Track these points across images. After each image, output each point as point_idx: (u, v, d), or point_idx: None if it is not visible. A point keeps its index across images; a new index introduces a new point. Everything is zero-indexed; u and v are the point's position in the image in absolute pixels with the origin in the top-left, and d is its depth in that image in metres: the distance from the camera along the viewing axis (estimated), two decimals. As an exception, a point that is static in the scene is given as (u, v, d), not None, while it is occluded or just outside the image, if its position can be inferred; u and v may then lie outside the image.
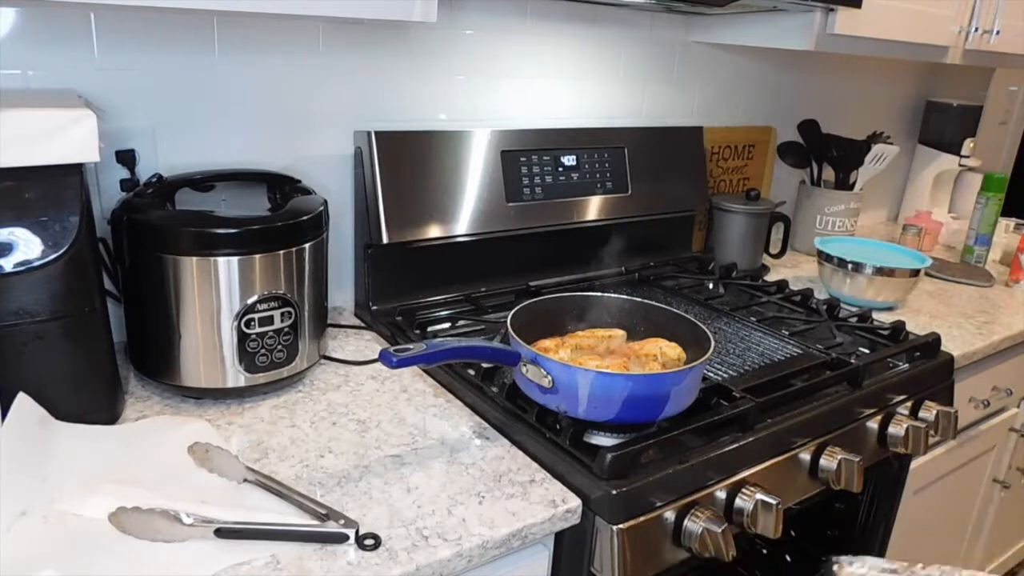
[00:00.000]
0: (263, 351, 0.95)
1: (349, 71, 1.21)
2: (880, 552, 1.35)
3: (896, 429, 1.13)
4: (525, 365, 0.89)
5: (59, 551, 0.67)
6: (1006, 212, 2.00)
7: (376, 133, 1.19)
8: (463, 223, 1.28)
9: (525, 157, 1.35)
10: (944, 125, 2.16)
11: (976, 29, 1.64)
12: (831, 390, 1.10)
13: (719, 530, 0.84)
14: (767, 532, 0.90)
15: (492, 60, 1.35)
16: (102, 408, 0.87)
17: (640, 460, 0.86)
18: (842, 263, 1.50)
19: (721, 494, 0.91)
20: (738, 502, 0.91)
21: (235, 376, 0.94)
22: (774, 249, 1.74)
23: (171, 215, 0.95)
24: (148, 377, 0.97)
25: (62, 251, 0.78)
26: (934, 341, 1.27)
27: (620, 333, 1.02)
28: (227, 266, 0.90)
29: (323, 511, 0.74)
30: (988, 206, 1.85)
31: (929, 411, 1.19)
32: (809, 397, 1.06)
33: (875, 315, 1.41)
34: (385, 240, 1.20)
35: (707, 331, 0.96)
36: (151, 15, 1.02)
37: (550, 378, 0.87)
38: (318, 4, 0.86)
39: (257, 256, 0.91)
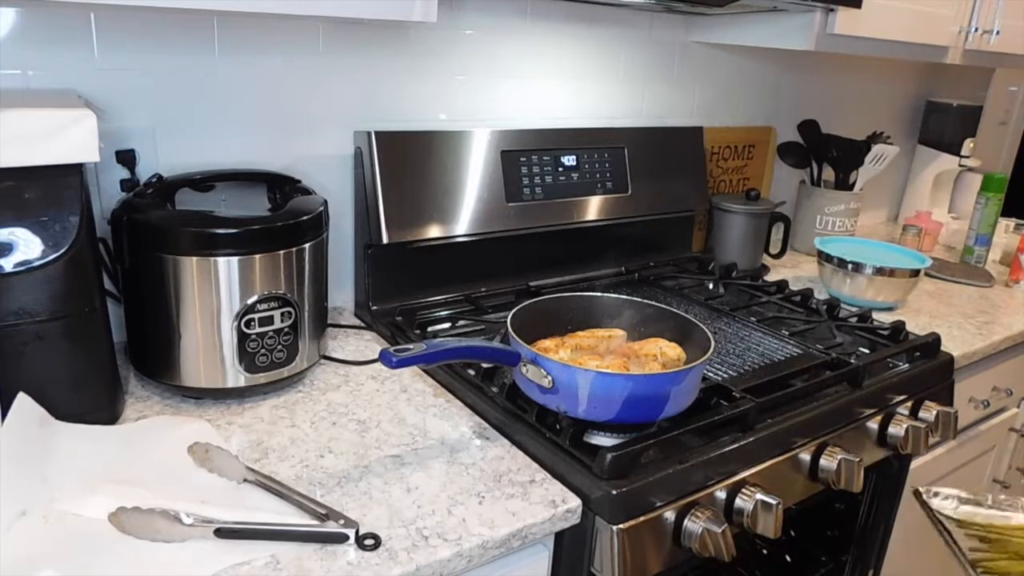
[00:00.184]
0: (263, 351, 0.95)
1: (349, 71, 1.21)
2: (880, 552, 1.35)
3: (896, 429, 1.13)
4: (525, 365, 0.89)
5: (59, 551, 0.67)
6: (1006, 212, 2.00)
7: (376, 133, 1.19)
8: (463, 223, 1.28)
9: (525, 157, 1.35)
10: (944, 125, 2.16)
11: (976, 29, 1.64)
12: (831, 390, 1.10)
13: (719, 530, 0.84)
14: (767, 532, 0.90)
15: (492, 60, 1.36)
16: (102, 408, 0.87)
17: (640, 460, 0.86)
18: (842, 263, 1.50)
19: (721, 494, 0.91)
20: (738, 502, 0.91)
21: (235, 376, 0.94)
22: (774, 249, 1.74)
23: (171, 215, 0.95)
24: (148, 377, 0.97)
25: (62, 251, 0.78)
26: (934, 341, 1.27)
27: (620, 333, 1.02)
28: (227, 266, 0.90)
29: (323, 511, 0.74)
30: (988, 206, 1.85)
31: (929, 411, 1.19)
32: (809, 397, 1.06)
33: (875, 315, 1.41)
34: (385, 240, 1.20)
35: (707, 331, 0.96)
36: (151, 15, 1.02)
37: (550, 378, 0.87)
38: (318, 4, 0.86)
39: (257, 256, 0.91)
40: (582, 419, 0.88)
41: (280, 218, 0.96)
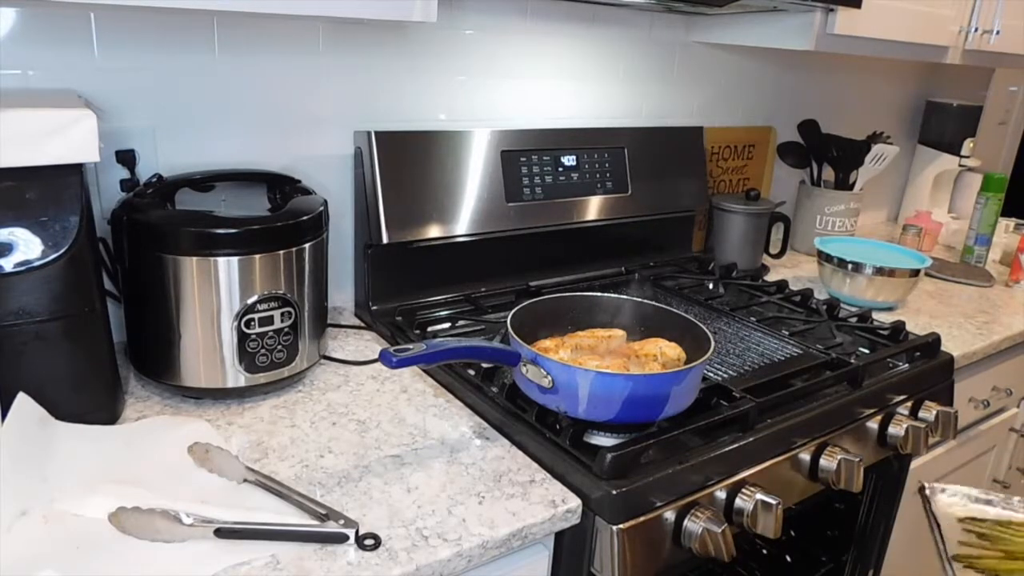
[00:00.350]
0: (263, 351, 0.95)
1: (349, 71, 1.21)
2: (880, 552, 1.35)
3: (896, 429, 1.13)
4: (525, 365, 0.89)
5: (59, 551, 0.67)
6: (1006, 212, 2.00)
7: (376, 133, 1.19)
8: (463, 223, 1.28)
9: (525, 157, 1.35)
10: (944, 125, 2.16)
11: (976, 29, 1.64)
12: (831, 390, 1.10)
13: (719, 530, 0.84)
14: (767, 532, 0.90)
15: (492, 60, 1.36)
16: (102, 408, 0.87)
17: (640, 460, 0.86)
18: (842, 263, 1.50)
19: (721, 494, 0.91)
20: (738, 502, 0.91)
21: (235, 376, 0.94)
22: (774, 249, 1.74)
23: (171, 215, 0.95)
24: (148, 377, 0.97)
25: (62, 251, 0.78)
26: (934, 341, 1.27)
27: (620, 333, 1.02)
28: (227, 266, 0.90)
29: (323, 511, 0.74)
30: (988, 206, 1.85)
31: (929, 411, 1.19)
32: (809, 397, 1.06)
33: (875, 315, 1.41)
34: (385, 240, 1.20)
35: (707, 331, 0.96)
36: (151, 15, 1.02)
37: (550, 378, 0.87)
38: (318, 4, 0.86)
39: (257, 256, 0.91)
40: (582, 419, 0.88)
41: (280, 218, 0.96)
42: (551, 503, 0.80)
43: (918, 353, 1.26)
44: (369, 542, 0.72)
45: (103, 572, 0.65)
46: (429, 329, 1.21)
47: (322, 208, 1.01)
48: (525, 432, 0.91)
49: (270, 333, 0.95)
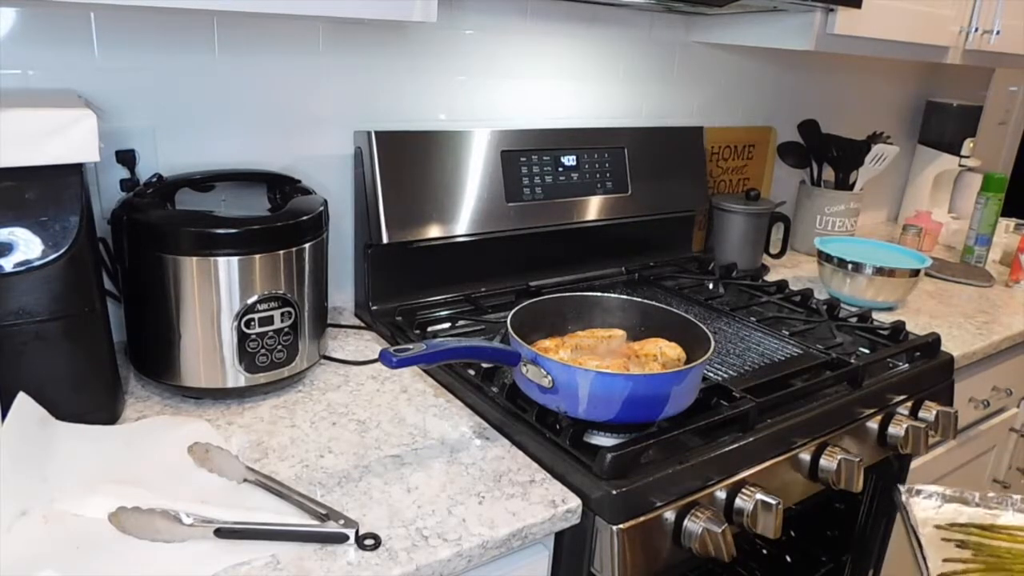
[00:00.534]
0: (263, 351, 0.95)
1: (349, 71, 1.21)
2: (880, 552, 1.35)
3: (896, 429, 1.13)
4: (525, 365, 0.89)
5: (59, 551, 0.67)
6: (1006, 212, 1.99)
7: (376, 133, 1.19)
8: (463, 223, 1.28)
9: (525, 157, 1.35)
10: (944, 125, 2.16)
11: (976, 29, 1.64)
12: (831, 390, 1.10)
13: (719, 530, 0.84)
14: (767, 532, 0.90)
15: (492, 60, 1.35)
16: (102, 408, 0.87)
17: (640, 460, 0.86)
18: (842, 263, 1.50)
19: (721, 494, 0.91)
20: (738, 502, 0.91)
21: (235, 376, 0.94)
22: (774, 249, 1.74)
23: (171, 215, 0.95)
24: (148, 377, 0.97)
25: (62, 251, 0.78)
26: (934, 341, 1.27)
27: (620, 333, 1.02)
28: (227, 266, 0.90)
29: (323, 511, 0.74)
30: (988, 206, 1.85)
31: (929, 411, 1.19)
32: (809, 397, 1.06)
33: (875, 315, 1.41)
34: (385, 240, 1.20)
35: (707, 331, 0.96)
36: (151, 15, 1.02)
37: (550, 378, 0.87)
38: (318, 4, 0.86)
39: (257, 256, 0.91)
40: (582, 419, 0.88)
41: (280, 218, 0.96)
42: (551, 503, 0.80)
43: (918, 353, 1.26)
44: (369, 542, 0.72)
45: (103, 572, 0.65)
46: (429, 329, 1.21)
47: (322, 208, 1.01)
48: (525, 432, 0.91)
49: (270, 333, 0.95)
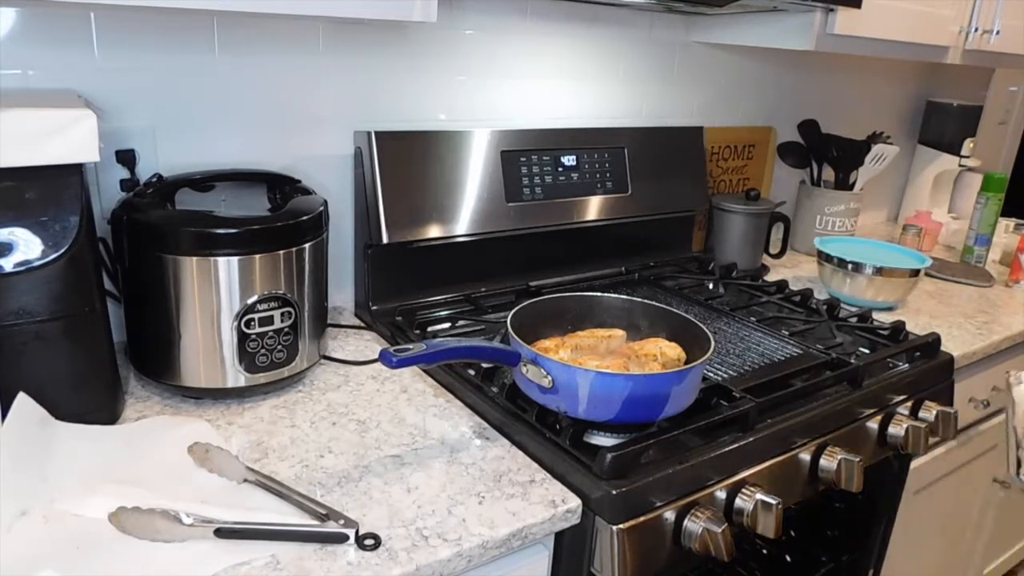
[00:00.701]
0: (263, 351, 0.95)
1: (349, 71, 1.21)
2: (880, 552, 1.35)
3: (896, 429, 1.13)
4: (525, 365, 0.89)
5: (59, 551, 0.67)
6: (1006, 212, 2.00)
7: (376, 133, 1.19)
8: (463, 223, 1.28)
9: (525, 157, 1.35)
10: (944, 125, 2.16)
11: (976, 29, 1.64)
12: (831, 390, 1.10)
13: (719, 530, 0.84)
14: (767, 532, 0.90)
15: (492, 60, 1.35)
16: (102, 408, 0.87)
17: (640, 460, 0.86)
18: (842, 263, 1.50)
19: (721, 494, 0.91)
20: (738, 502, 0.91)
21: (235, 376, 0.94)
22: (774, 249, 1.74)
23: (171, 215, 0.95)
24: (148, 377, 0.97)
25: (62, 251, 0.78)
26: (934, 341, 1.27)
27: (620, 333, 1.02)
28: (227, 266, 0.90)
29: (323, 511, 0.74)
30: (988, 206, 1.85)
31: (929, 411, 1.19)
32: (809, 397, 1.06)
33: (875, 315, 1.41)
34: (385, 240, 1.20)
35: (707, 331, 0.96)
36: (151, 15, 1.02)
37: (550, 378, 0.87)
38: (318, 4, 0.86)
39: (257, 256, 0.91)
40: (582, 419, 0.88)
41: (280, 218, 0.96)
42: (551, 503, 0.80)
43: (918, 353, 1.26)
44: (369, 542, 0.72)
45: (103, 572, 0.65)
46: (429, 329, 1.21)
47: (322, 208, 1.01)
48: (525, 432, 0.91)
49: (270, 333, 0.95)
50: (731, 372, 1.11)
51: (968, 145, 2.11)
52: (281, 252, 0.94)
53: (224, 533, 0.70)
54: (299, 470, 0.83)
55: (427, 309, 1.27)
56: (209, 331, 0.92)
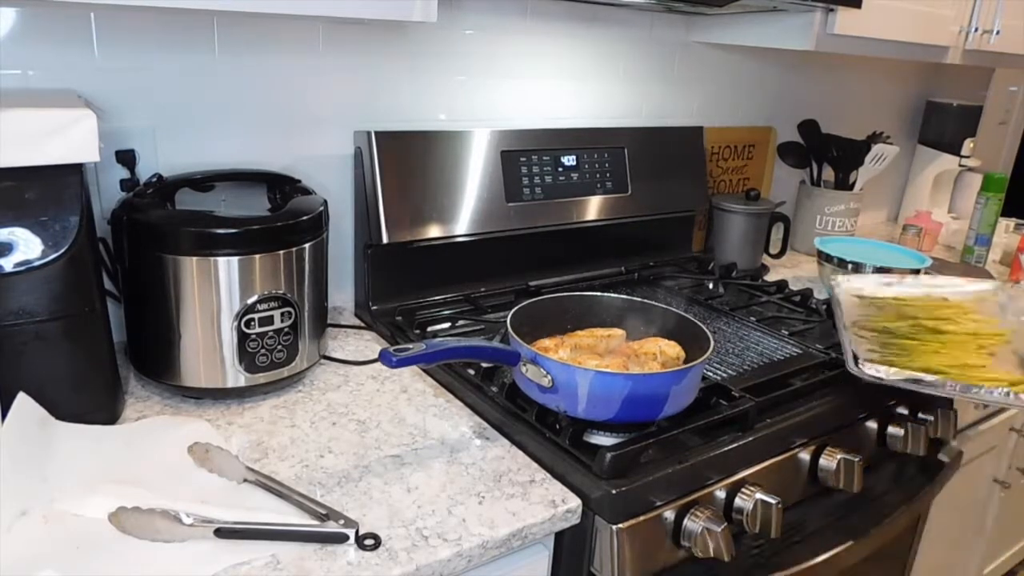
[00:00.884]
0: (263, 351, 0.95)
1: (349, 71, 1.21)
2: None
3: (896, 429, 1.13)
4: (525, 365, 0.89)
5: (59, 551, 0.67)
6: (1006, 212, 2.00)
7: (376, 133, 1.19)
8: (463, 223, 1.28)
9: (525, 157, 1.35)
10: (944, 125, 2.16)
11: (976, 29, 1.64)
12: (830, 390, 1.10)
13: (719, 530, 0.84)
14: (767, 532, 0.90)
15: (492, 60, 1.36)
16: (102, 408, 0.87)
17: (640, 460, 0.86)
18: (842, 263, 1.50)
19: (721, 494, 0.91)
20: (738, 502, 0.91)
21: (235, 376, 0.94)
22: (774, 249, 1.74)
23: (171, 215, 0.95)
24: (148, 377, 0.97)
25: (62, 251, 0.78)
26: (934, 341, 1.27)
27: (620, 333, 1.02)
28: (227, 266, 0.90)
29: (323, 511, 0.74)
30: (988, 206, 1.85)
31: (929, 411, 1.19)
32: (809, 397, 1.06)
33: (875, 315, 1.41)
34: (385, 240, 1.20)
35: (707, 331, 0.96)
36: (151, 15, 1.02)
37: (550, 378, 0.87)
38: (318, 4, 0.86)
39: (257, 256, 0.91)
40: (582, 419, 0.88)
41: (280, 218, 0.96)
42: (551, 503, 0.80)
43: (918, 353, 1.26)
44: (369, 542, 0.72)
45: (103, 572, 0.65)
46: (429, 329, 1.21)
47: (322, 208, 1.01)
48: (525, 432, 0.91)
49: (270, 333, 0.95)
50: (730, 371, 1.11)
51: (968, 145, 2.11)
52: (281, 252, 0.94)
53: (224, 533, 0.70)
54: (299, 470, 0.83)
55: (427, 309, 1.27)
56: (209, 331, 0.92)
